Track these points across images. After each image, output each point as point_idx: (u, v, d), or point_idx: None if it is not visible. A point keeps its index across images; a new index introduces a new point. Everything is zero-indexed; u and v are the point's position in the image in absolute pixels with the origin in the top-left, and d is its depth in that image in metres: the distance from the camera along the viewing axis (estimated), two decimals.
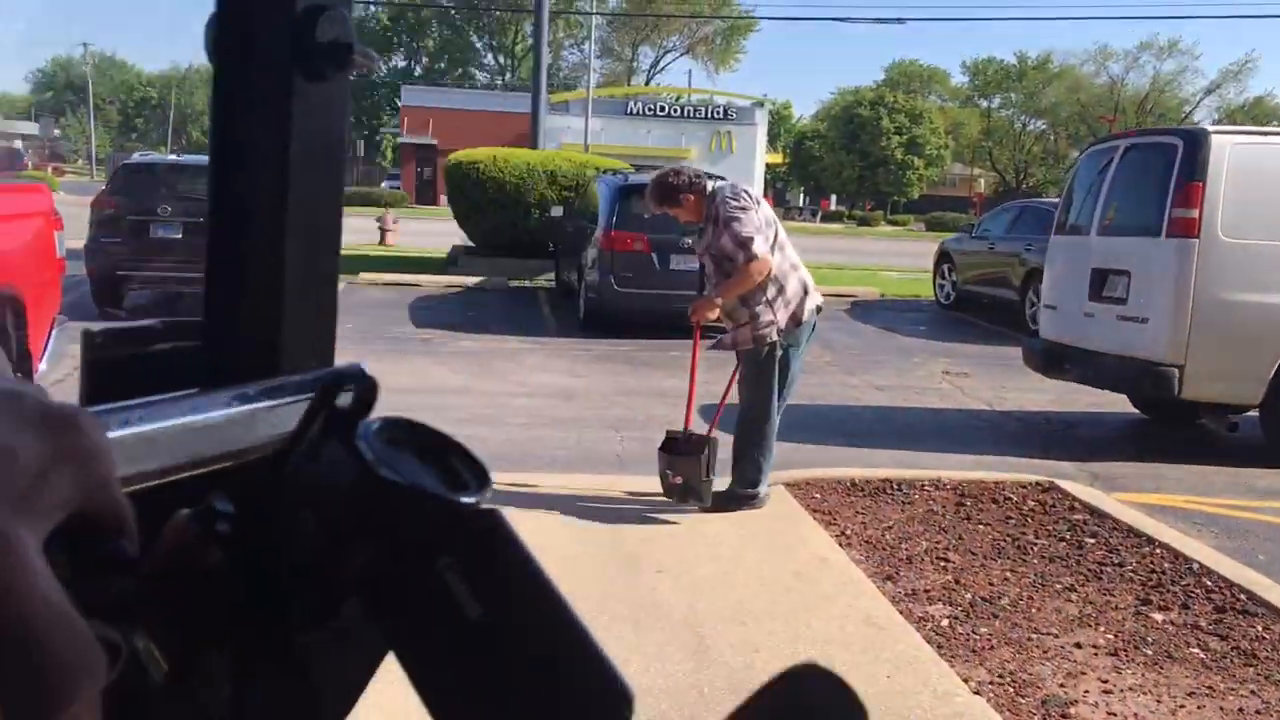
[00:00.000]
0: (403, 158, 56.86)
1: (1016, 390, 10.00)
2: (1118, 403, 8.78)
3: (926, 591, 4.65)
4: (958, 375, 10.96)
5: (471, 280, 16.90)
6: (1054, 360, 8.28)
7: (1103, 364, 7.68)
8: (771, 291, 5.20)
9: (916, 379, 10.66)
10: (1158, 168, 7.44)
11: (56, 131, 78.32)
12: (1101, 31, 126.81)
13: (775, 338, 5.24)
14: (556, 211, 15.93)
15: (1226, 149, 7.14)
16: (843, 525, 5.54)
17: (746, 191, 5.30)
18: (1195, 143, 7.22)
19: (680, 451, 5.39)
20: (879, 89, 71.33)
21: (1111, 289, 7.72)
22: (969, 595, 4.61)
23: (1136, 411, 8.92)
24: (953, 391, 10.01)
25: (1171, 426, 8.67)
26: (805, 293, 5.31)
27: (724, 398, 5.65)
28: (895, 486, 6.22)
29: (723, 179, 5.58)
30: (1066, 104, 73.01)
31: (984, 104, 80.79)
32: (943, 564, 5.00)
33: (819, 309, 5.44)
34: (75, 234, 8.89)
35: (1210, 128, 7.31)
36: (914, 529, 5.51)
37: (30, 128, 73.90)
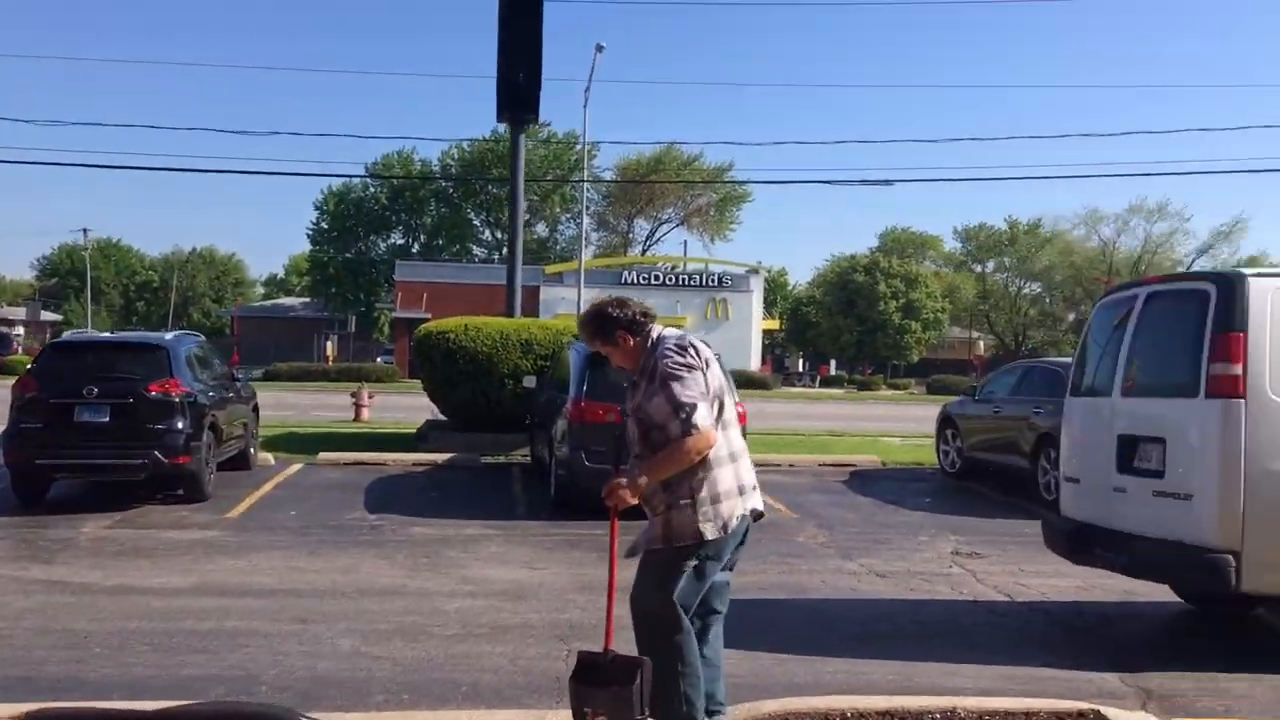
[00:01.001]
0: (396, 332, 56.67)
1: (1037, 574, 8.72)
2: (1156, 588, 7.50)
3: None
4: (969, 556, 9.70)
5: (442, 457, 15.77)
6: (1082, 544, 7.06)
7: (1141, 549, 6.45)
8: (698, 481, 4.08)
9: (923, 562, 9.39)
10: (1187, 317, 6.39)
11: (52, 314, 78.53)
12: (1092, 196, 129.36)
13: (689, 542, 4.07)
14: (530, 382, 14.94)
15: (1269, 295, 6.11)
16: None
17: (695, 345, 4.22)
18: (1231, 288, 6.19)
19: (599, 681, 4.11)
20: (874, 255, 71.76)
21: (1144, 459, 6.57)
22: None
23: (1179, 600, 7.65)
24: (965, 577, 8.73)
25: (1224, 620, 7.38)
26: (740, 493, 4.19)
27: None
28: None
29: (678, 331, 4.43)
30: (1060, 267, 73.33)
31: (978, 268, 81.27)
32: None
33: (757, 515, 4.30)
34: None
35: (1246, 270, 6.30)
36: None
37: (24, 313, 74.19)
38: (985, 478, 14.91)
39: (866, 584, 8.44)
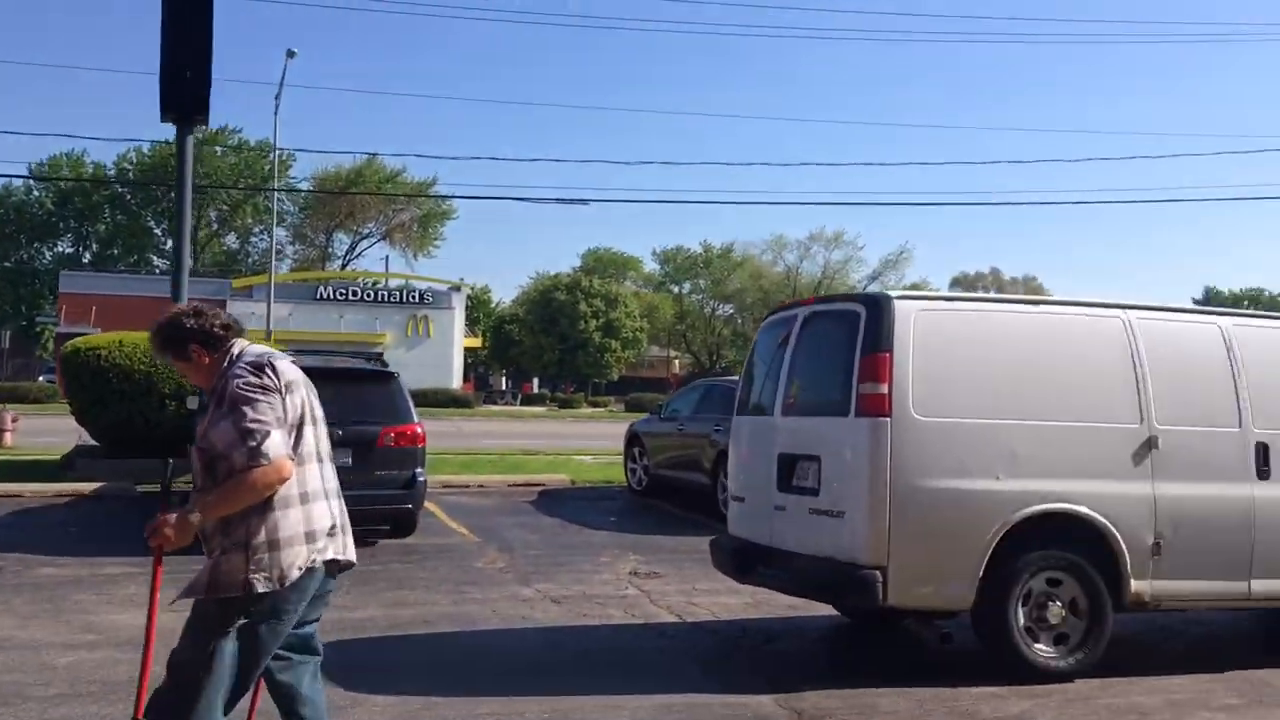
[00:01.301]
0: (59, 349, 51.59)
1: (709, 593, 8.75)
2: (820, 603, 7.64)
3: None
4: (647, 576, 9.64)
5: (90, 486, 14.21)
6: (746, 562, 7.08)
7: (799, 567, 6.53)
8: (256, 524, 3.51)
9: (600, 584, 9.22)
10: (840, 338, 6.54)
11: None
12: (778, 223, 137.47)
13: (235, 594, 3.49)
14: (193, 403, 13.70)
15: (913, 316, 6.33)
16: None
17: (276, 366, 3.67)
18: (878, 309, 6.37)
19: None
20: (576, 274, 72.75)
21: (802, 477, 6.65)
22: None
23: (839, 614, 7.85)
24: (639, 599, 8.62)
25: (881, 634, 7.63)
26: (309, 540, 3.62)
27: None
28: None
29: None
30: (750, 290, 77.12)
31: (676, 289, 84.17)
32: None
33: (339, 566, 3.76)
34: None
35: (894, 292, 6.51)
36: None
37: None
38: (671, 495, 15.09)
39: (540, 611, 8.14)
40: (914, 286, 71.78)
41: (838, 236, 75.85)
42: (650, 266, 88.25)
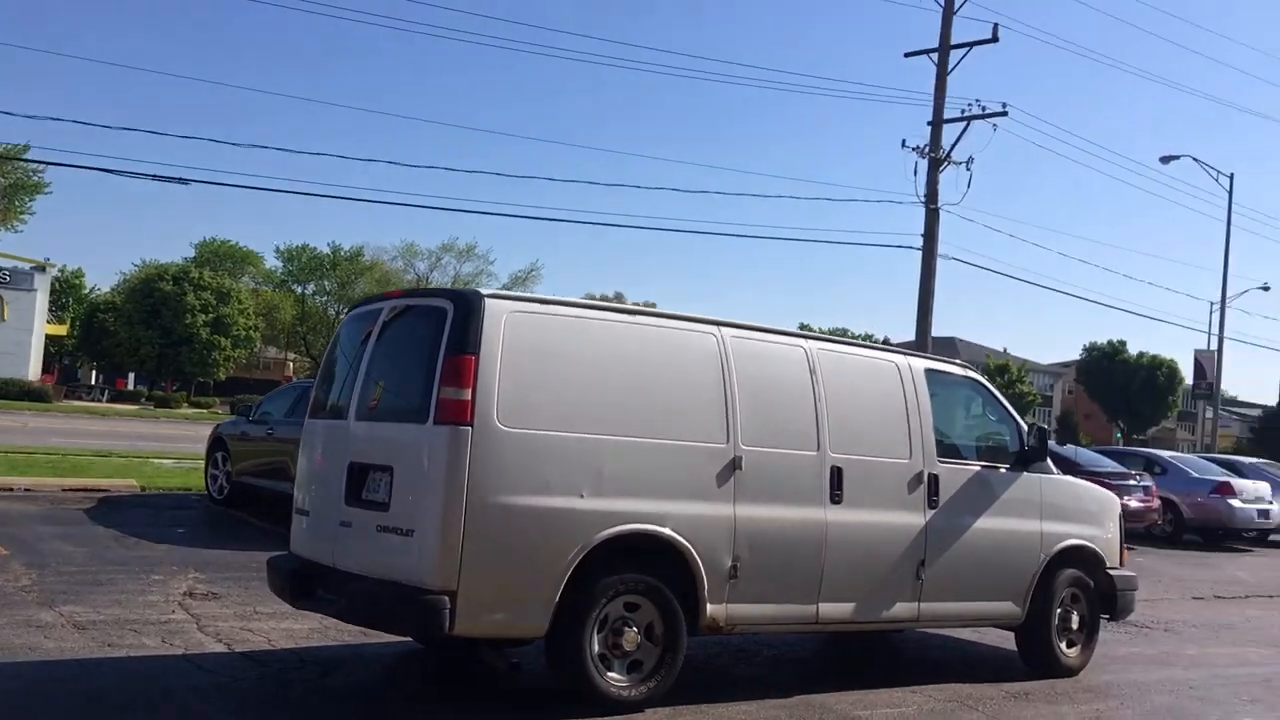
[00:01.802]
0: None
1: (273, 617, 7.80)
2: None
3: None
4: (204, 597, 8.49)
5: None
6: (304, 585, 6.24)
7: (360, 591, 5.78)
8: None
9: (144, 607, 7.97)
10: (425, 336, 5.90)
11: None
12: (409, 232, 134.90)
13: None
14: None
15: (504, 317, 5.82)
16: None
17: None
18: (468, 308, 5.80)
19: None
20: (186, 264, 67.37)
21: (373, 490, 5.93)
22: None
23: (417, 642, 7.18)
24: (186, 625, 7.49)
25: (456, 663, 7.04)
26: None
27: None
28: None
29: None
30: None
31: (299, 290, 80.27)
32: None
33: None
34: None
35: (486, 290, 5.96)
36: None
37: None
38: (257, 505, 13.77)
39: (55, 639, 6.83)
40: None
41: (470, 249, 75.70)
42: (272, 264, 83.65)
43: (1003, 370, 73.59)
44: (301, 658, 6.83)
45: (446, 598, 5.40)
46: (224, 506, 14.20)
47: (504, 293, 6.15)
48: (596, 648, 5.93)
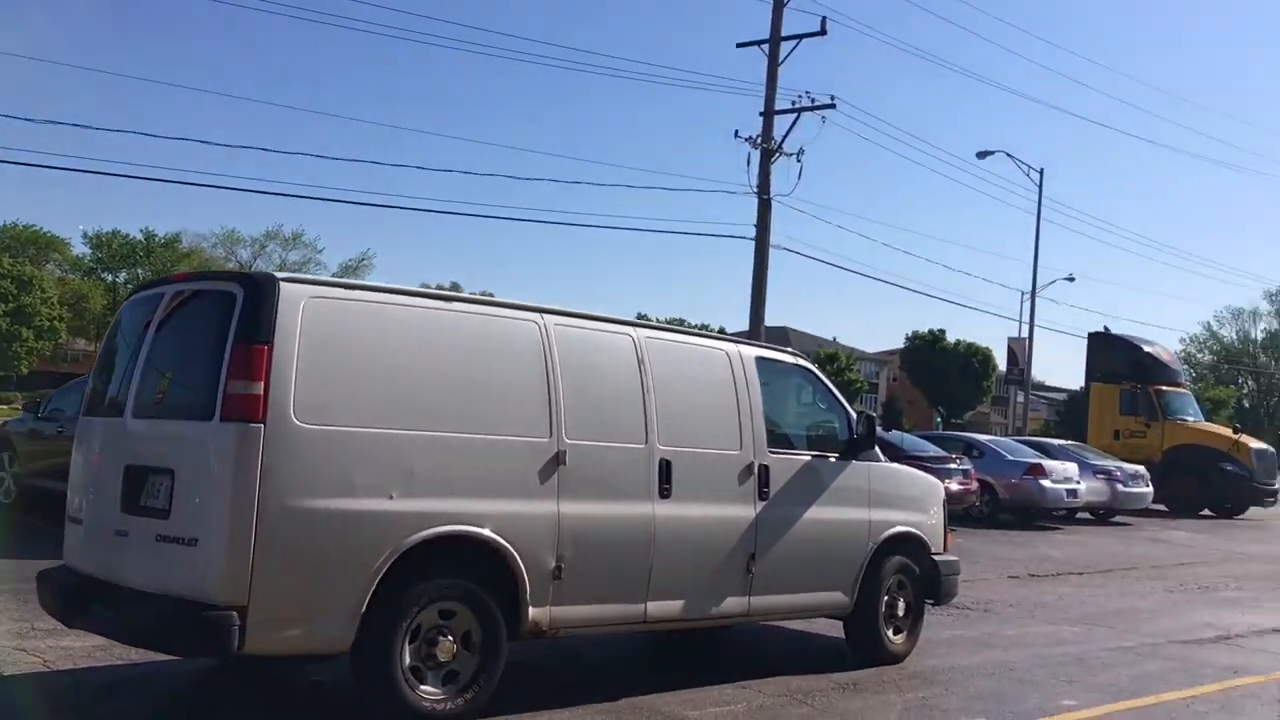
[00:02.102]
0: None
1: (52, 634, 7.04)
2: None
3: None
4: None
5: None
6: (77, 602, 5.58)
7: (138, 609, 5.18)
8: None
9: None
10: (212, 324, 5.33)
11: None
12: (230, 218, 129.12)
13: None
14: None
15: (302, 303, 5.31)
16: None
17: None
18: (260, 292, 5.27)
19: None
20: None
21: (152, 495, 5.33)
22: None
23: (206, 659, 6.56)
24: None
25: (251, 681, 6.47)
26: None
27: None
28: None
29: None
30: None
31: (109, 278, 75.87)
32: None
33: None
34: None
35: (280, 274, 5.43)
36: None
37: None
38: (48, 509, 12.62)
39: None
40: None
41: (297, 236, 73.18)
42: (79, 250, 78.78)
43: (832, 359, 75.68)
44: (77, 680, 6.16)
45: (235, 613, 4.88)
46: (11, 511, 13.03)
47: (301, 276, 5.63)
48: (408, 660, 5.50)
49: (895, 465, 8.36)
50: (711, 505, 6.87)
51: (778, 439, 7.43)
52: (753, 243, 29.48)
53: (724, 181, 74.93)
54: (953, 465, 18.71)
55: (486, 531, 5.74)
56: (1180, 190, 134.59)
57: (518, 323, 6.23)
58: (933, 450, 19.20)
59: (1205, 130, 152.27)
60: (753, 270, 29.63)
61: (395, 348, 5.66)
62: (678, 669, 7.55)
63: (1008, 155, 40.74)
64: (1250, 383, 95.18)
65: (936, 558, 8.26)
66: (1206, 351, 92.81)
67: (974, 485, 19.28)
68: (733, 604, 6.98)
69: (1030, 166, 41.00)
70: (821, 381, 8.00)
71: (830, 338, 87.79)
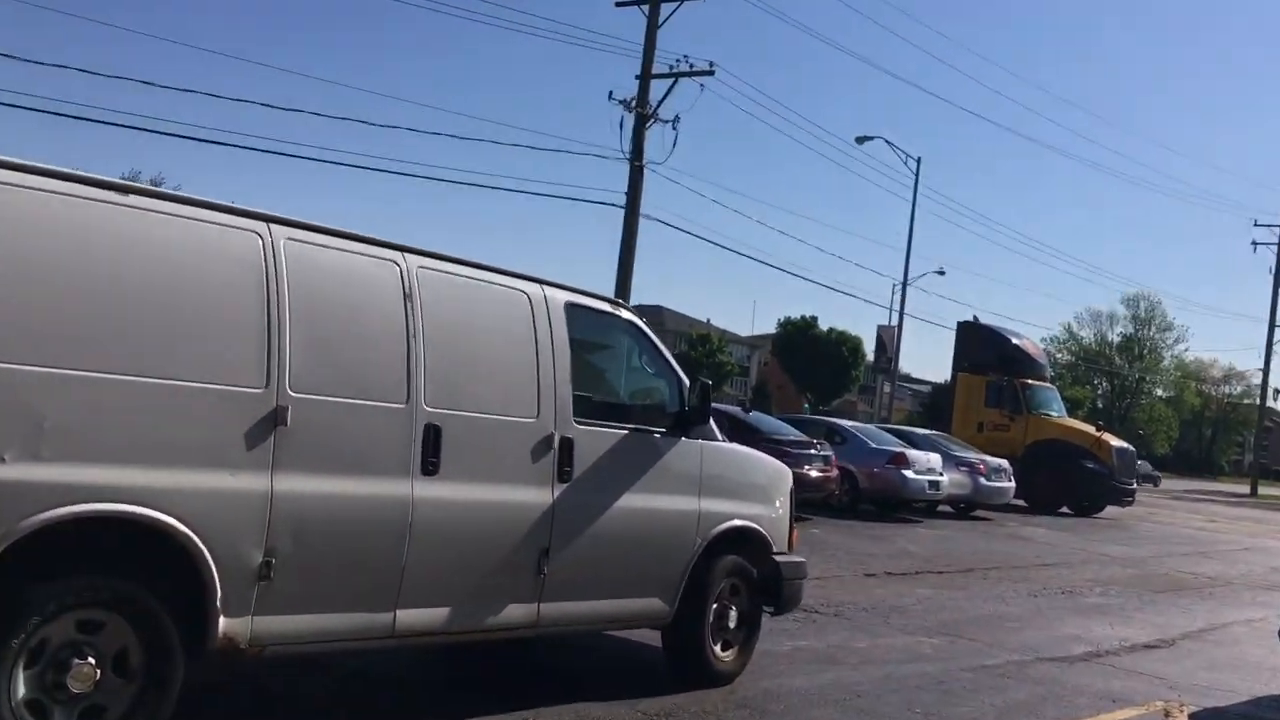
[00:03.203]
0: None
1: None
2: None
3: None
4: None
5: None
6: None
7: None
8: None
9: None
10: None
11: None
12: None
13: None
14: None
15: None
16: None
17: None
18: None
19: None
20: None
21: None
22: None
23: None
24: None
25: None
26: None
27: None
28: None
29: None
30: None
31: None
32: None
33: None
34: None
35: None
36: None
37: None
38: None
39: None
40: None
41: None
42: None
43: (704, 340, 74.98)
44: None
45: None
46: None
47: None
48: (23, 691, 3.89)
49: (734, 446, 6.97)
50: (494, 487, 5.39)
51: (588, 407, 5.98)
52: (622, 210, 28.27)
53: (598, 145, 72.82)
54: (813, 451, 17.59)
55: (155, 513, 4.14)
56: (1054, 189, 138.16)
57: (231, 232, 4.62)
58: (793, 434, 18.06)
59: (1086, 133, 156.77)
60: (621, 238, 28.32)
61: (32, 249, 4.00)
62: (450, 692, 6.07)
63: (886, 142, 40.26)
64: (1105, 384, 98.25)
65: (779, 558, 6.92)
66: (1065, 351, 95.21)
67: (834, 473, 18.22)
68: (516, 613, 5.51)
69: (908, 154, 40.61)
70: (649, 339, 6.55)
71: (704, 319, 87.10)
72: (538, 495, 5.55)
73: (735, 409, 18.36)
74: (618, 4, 29.35)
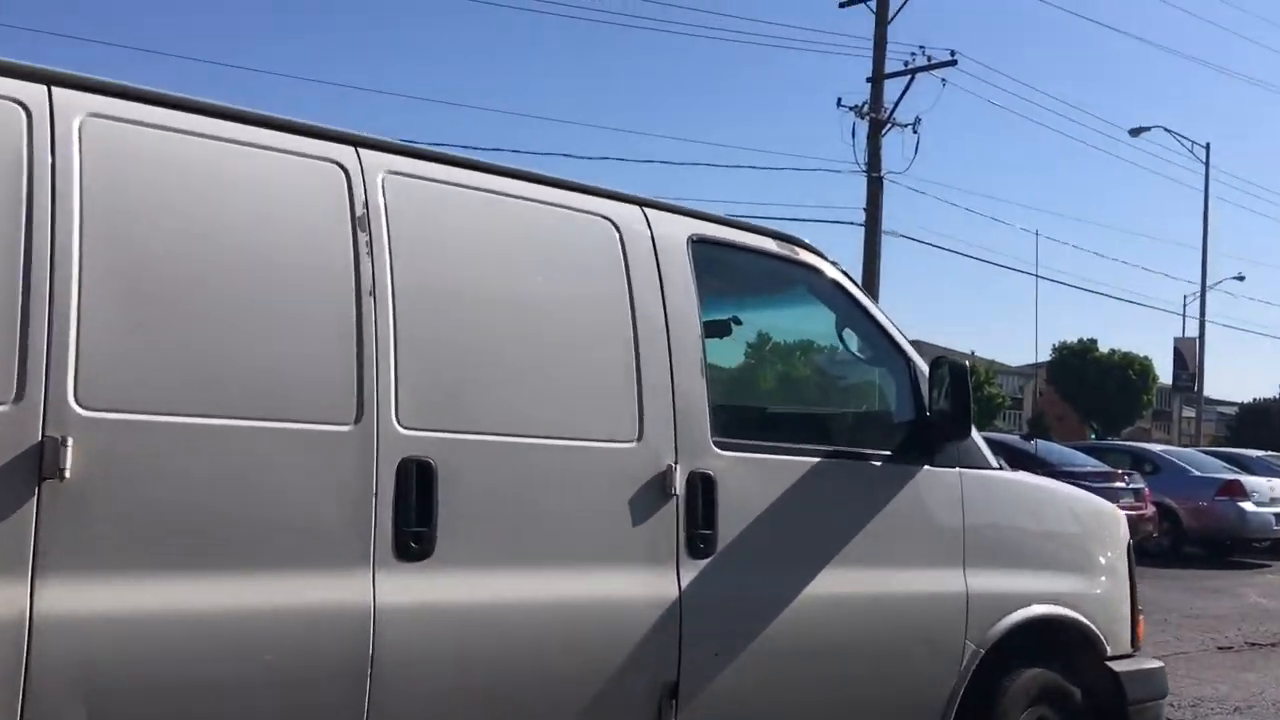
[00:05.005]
0: None
1: None
2: None
3: None
4: None
5: None
6: None
7: None
8: None
9: None
10: None
11: None
12: None
13: None
14: None
15: None
16: None
17: None
18: None
19: None
20: None
21: None
22: None
23: None
24: None
25: None
26: None
27: None
28: None
29: None
30: None
31: None
32: None
33: None
34: None
35: None
36: None
37: None
38: None
39: None
40: None
41: None
42: None
43: (970, 372, 70.18)
44: None
45: None
46: None
47: None
48: None
49: (1019, 476, 4.09)
50: (552, 576, 2.84)
51: (742, 420, 3.35)
52: (862, 229, 25.49)
53: (827, 159, 68.90)
54: (1121, 485, 13.99)
55: None
56: None
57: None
58: (1092, 464, 14.53)
59: None
60: (863, 260, 25.40)
61: None
62: None
63: (1166, 130, 35.24)
64: None
65: (1116, 667, 3.99)
66: None
67: (1149, 509, 14.55)
68: None
69: (1194, 141, 35.40)
70: (853, 299, 3.79)
71: (969, 351, 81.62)
72: (646, 586, 2.95)
73: (1013, 438, 15.10)
74: (841, 5, 26.95)
